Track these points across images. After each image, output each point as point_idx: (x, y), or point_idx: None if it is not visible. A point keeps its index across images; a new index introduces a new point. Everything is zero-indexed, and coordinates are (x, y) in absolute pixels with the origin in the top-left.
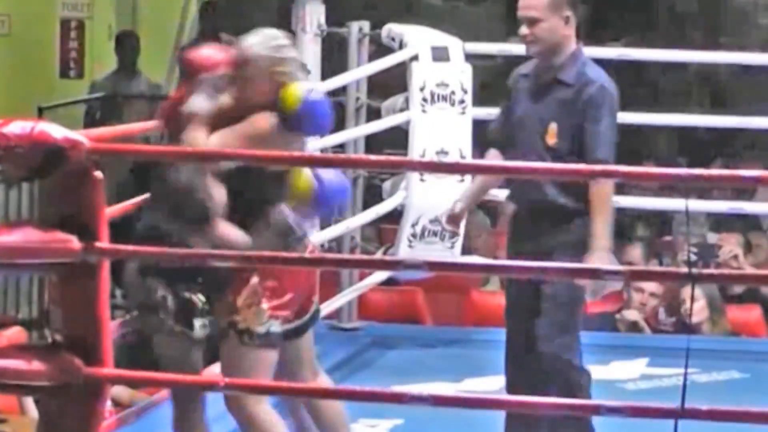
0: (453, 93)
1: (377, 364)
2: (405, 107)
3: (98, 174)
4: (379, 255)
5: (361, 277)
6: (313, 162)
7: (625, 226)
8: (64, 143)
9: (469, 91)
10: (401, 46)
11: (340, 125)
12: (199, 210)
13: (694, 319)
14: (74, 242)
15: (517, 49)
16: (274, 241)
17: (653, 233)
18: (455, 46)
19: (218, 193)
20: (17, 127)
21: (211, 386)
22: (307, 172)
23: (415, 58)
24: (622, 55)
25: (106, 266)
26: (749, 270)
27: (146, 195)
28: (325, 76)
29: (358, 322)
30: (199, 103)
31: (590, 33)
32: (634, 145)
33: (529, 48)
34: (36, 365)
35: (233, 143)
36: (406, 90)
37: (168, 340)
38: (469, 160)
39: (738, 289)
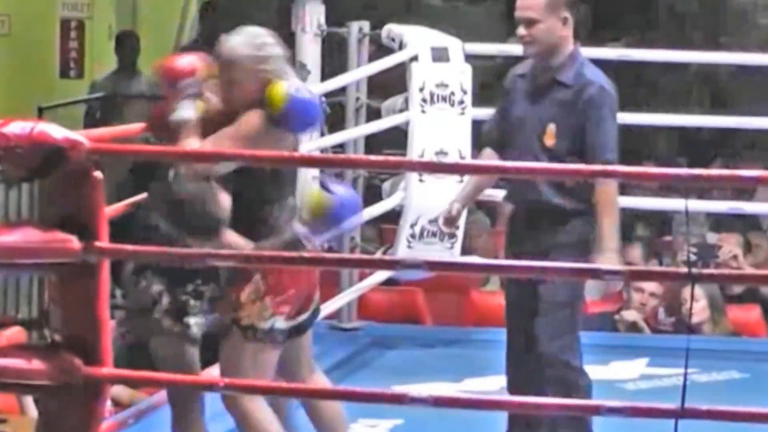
0: (453, 93)
1: (377, 364)
2: (404, 108)
3: (98, 174)
4: (378, 255)
5: (361, 278)
6: (314, 162)
7: (624, 226)
8: (64, 143)
9: (468, 91)
10: (401, 46)
11: (339, 125)
12: (209, 221)
13: (696, 319)
14: (74, 242)
15: (516, 49)
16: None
17: (653, 233)
18: (455, 46)
19: (225, 202)
20: (17, 127)
21: (211, 386)
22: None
23: (414, 58)
24: (622, 55)
25: (106, 266)
26: (749, 270)
27: (145, 195)
28: (325, 76)
29: (357, 322)
30: (186, 110)
31: (590, 33)
32: (634, 145)
33: (526, 49)
34: (36, 365)
35: (227, 146)
36: (405, 90)
37: (164, 340)
38: (468, 160)
39: (738, 289)
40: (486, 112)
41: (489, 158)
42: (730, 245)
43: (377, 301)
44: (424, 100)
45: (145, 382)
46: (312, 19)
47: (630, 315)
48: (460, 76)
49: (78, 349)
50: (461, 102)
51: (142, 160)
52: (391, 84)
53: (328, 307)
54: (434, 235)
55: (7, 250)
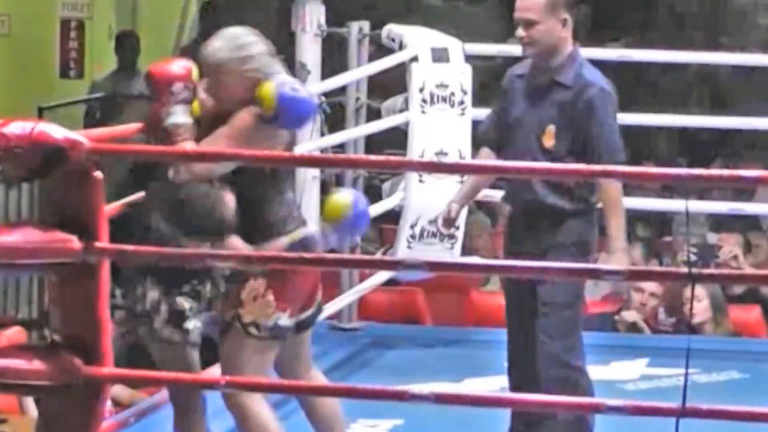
0: (452, 94)
1: (377, 364)
2: (404, 108)
3: (98, 174)
4: (378, 256)
5: (361, 278)
6: (314, 162)
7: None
8: (64, 143)
9: (468, 92)
10: (401, 46)
11: (339, 126)
12: (218, 224)
13: (697, 319)
14: (74, 242)
15: (516, 49)
16: None
17: (653, 234)
18: (455, 46)
19: (231, 203)
20: (17, 127)
21: (212, 385)
22: (340, 196)
23: (414, 58)
24: (622, 55)
25: (106, 266)
26: (749, 270)
27: (143, 194)
28: (325, 76)
29: (358, 322)
30: (179, 115)
31: (590, 33)
32: (634, 145)
33: (525, 50)
34: (36, 365)
35: (223, 146)
36: (405, 91)
37: (162, 346)
38: (468, 160)
39: (738, 289)
40: (486, 113)
41: (486, 158)
42: (730, 245)
43: (377, 301)
44: (424, 101)
45: (145, 382)
46: (312, 19)
47: (630, 315)
48: (460, 76)
49: (78, 349)
50: (461, 102)
51: (142, 160)
52: (391, 84)
53: (328, 308)
54: (434, 235)
55: (7, 250)
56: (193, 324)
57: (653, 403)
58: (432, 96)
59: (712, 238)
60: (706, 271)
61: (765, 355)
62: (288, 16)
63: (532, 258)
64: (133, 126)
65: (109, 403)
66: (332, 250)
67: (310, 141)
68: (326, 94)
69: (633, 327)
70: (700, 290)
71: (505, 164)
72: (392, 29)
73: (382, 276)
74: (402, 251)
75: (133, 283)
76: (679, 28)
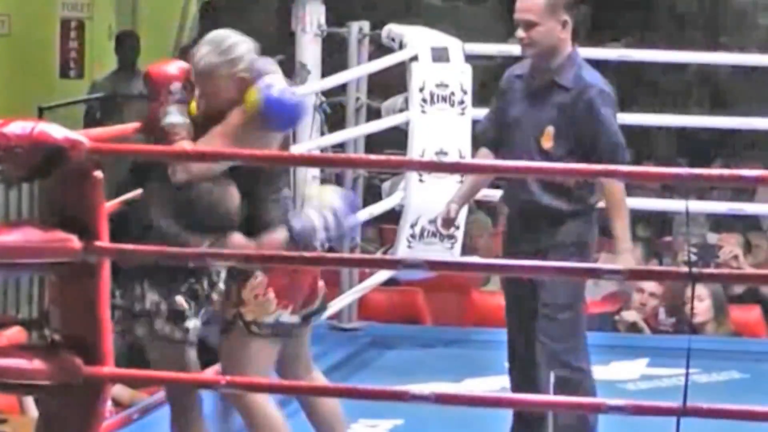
0: (453, 94)
1: (377, 364)
2: (405, 108)
3: (98, 173)
4: (378, 255)
5: (361, 278)
6: (314, 162)
7: None
8: (65, 143)
9: (468, 91)
10: (401, 46)
11: (340, 126)
12: (225, 220)
13: (699, 319)
14: (74, 242)
15: (516, 49)
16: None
17: (653, 234)
18: (455, 46)
19: (236, 198)
20: (17, 127)
21: (213, 385)
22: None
23: (414, 58)
24: (622, 55)
25: (106, 266)
26: (749, 270)
27: (140, 193)
28: (325, 76)
29: (358, 322)
30: (175, 116)
31: (590, 33)
32: (634, 145)
33: (525, 51)
34: (36, 364)
35: (218, 145)
36: (405, 90)
37: (161, 345)
38: (468, 160)
39: (738, 289)
40: (486, 113)
41: (485, 158)
42: (730, 245)
43: (377, 301)
44: (424, 100)
45: (146, 382)
46: (312, 19)
47: (630, 315)
48: (460, 76)
49: (78, 348)
50: (461, 102)
51: (142, 159)
52: (391, 84)
53: (328, 309)
54: (434, 235)
55: (7, 250)
56: (193, 323)
57: (654, 402)
58: (432, 95)
59: (713, 238)
60: (706, 271)
61: (765, 355)
62: (288, 16)
63: (530, 259)
64: (132, 125)
65: (109, 404)
66: (331, 250)
67: (310, 140)
68: (326, 94)
69: (633, 327)
70: (702, 290)
71: (505, 164)
72: (392, 29)
73: (382, 276)
74: (402, 251)
75: (132, 283)
76: (679, 28)
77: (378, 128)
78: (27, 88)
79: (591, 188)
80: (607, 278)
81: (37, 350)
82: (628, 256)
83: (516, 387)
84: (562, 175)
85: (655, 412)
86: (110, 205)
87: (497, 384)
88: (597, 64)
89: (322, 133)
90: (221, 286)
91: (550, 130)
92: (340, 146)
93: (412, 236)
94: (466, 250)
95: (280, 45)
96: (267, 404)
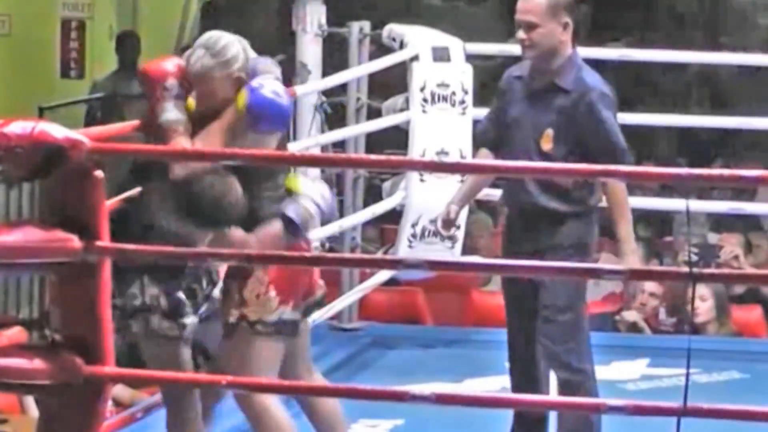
0: (453, 93)
1: (378, 364)
2: (405, 107)
3: (99, 173)
4: (379, 255)
5: (362, 278)
6: (315, 162)
7: None
8: (65, 143)
9: (469, 91)
10: (402, 46)
11: (340, 125)
12: (228, 213)
13: (701, 319)
14: (75, 241)
15: (517, 49)
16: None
17: (654, 233)
18: (456, 46)
19: (239, 191)
20: (18, 127)
21: (213, 384)
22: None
23: (415, 58)
24: (622, 55)
25: (107, 265)
26: (750, 270)
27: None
28: (325, 76)
29: (358, 322)
30: (173, 112)
31: (590, 33)
32: (634, 145)
33: (525, 52)
34: (37, 364)
35: (216, 141)
36: (406, 90)
37: (156, 342)
38: (469, 160)
39: (739, 289)
40: (486, 113)
41: (486, 159)
42: (731, 245)
43: (378, 301)
44: (425, 100)
45: (146, 381)
46: (313, 19)
47: (630, 315)
48: (461, 75)
49: (79, 348)
50: (462, 102)
51: (142, 159)
52: (391, 84)
53: (329, 309)
54: (435, 234)
55: (7, 250)
56: (191, 320)
57: (654, 402)
58: (433, 95)
59: (713, 238)
60: (706, 270)
61: (765, 355)
62: (289, 16)
63: (530, 259)
64: (131, 123)
65: (110, 404)
66: (332, 250)
67: (310, 137)
68: (327, 94)
69: (633, 327)
70: (705, 290)
71: (506, 164)
72: (393, 29)
73: (383, 276)
74: (403, 250)
75: (130, 280)
76: (679, 28)
77: (379, 126)
78: (27, 88)
79: (590, 189)
80: (607, 278)
81: (38, 350)
82: (633, 258)
83: (516, 387)
84: (562, 175)
85: (655, 412)
86: (110, 203)
87: (497, 384)
88: (597, 64)
89: (323, 133)
90: (221, 285)
91: (549, 132)
92: (341, 146)
93: (413, 236)
94: (467, 250)
95: (280, 45)
96: (274, 405)
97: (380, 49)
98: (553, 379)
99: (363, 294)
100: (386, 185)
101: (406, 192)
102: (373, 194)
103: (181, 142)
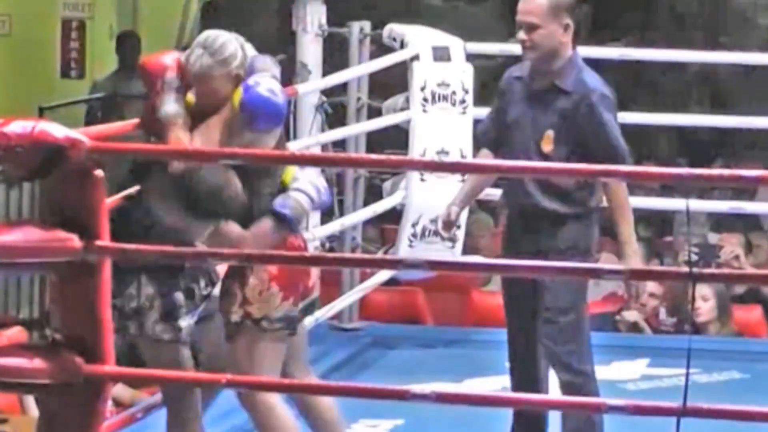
0: (454, 93)
1: (378, 364)
2: (406, 107)
3: (99, 173)
4: (379, 255)
5: (362, 278)
6: (315, 161)
7: None
8: (65, 142)
9: (470, 91)
10: (402, 45)
11: (341, 125)
12: (227, 205)
13: (703, 319)
14: (75, 241)
15: (517, 49)
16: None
17: (654, 233)
18: (456, 46)
19: (239, 185)
20: (18, 126)
21: (213, 384)
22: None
23: (416, 57)
24: (622, 55)
25: (107, 265)
26: (750, 270)
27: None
28: (326, 76)
29: (358, 322)
30: (172, 105)
31: (590, 33)
32: (634, 145)
33: (526, 53)
34: (37, 363)
35: (215, 136)
36: (407, 90)
37: (152, 345)
38: (469, 159)
39: (739, 289)
40: (487, 112)
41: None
42: (731, 245)
43: (378, 301)
44: (426, 100)
45: (146, 381)
46: (313, 19)
47: (631, 315)
48: (461, 75)
49: (79, 347)
50: (462, 101)
51: (142, 158)
52: (392, 84)
53: (329, 310)
54: (436, 234)
55: (7, 250)
56: (186, 322)
57: (654, 402)
58: (433, 95)
59: (713, 238)
60: (707, 270)
61: (766, 355)
62: (289, 16)
63: (530, 259)
64: (130, 123)
65: (110, 403)
66: (332, 250)
67: (310, 136)
68: (327, 94)
69: (634, 327)
70: (707, 290)
71: (507, 164)
72: (393, 29)
73: (383, 276)
74: (404, 250)
75: (128, 279)
76: (679, 28)
77: (379, 125)
78: (28, 88)
79: (591, 191)
80: (607, 278)
81: (38, 349)
82: (635, 259)
83: (516, 387)
84: (563, 175)
85: (655, 412)
86: (110, 201)
87: (498, 384)
88: (597, 63)
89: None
90: (219, 285)
91: (549, 134)
92: (341, 146)
93: (414, 236)
94: (467, 250)
95: (281, 45)
96: (279, 405)
97: (380, 48)
98: (553, 379)
99: (363, 294)
100: (387, 185)
101: (407, 192)
102: (374, 194)
103: (180, 136)
